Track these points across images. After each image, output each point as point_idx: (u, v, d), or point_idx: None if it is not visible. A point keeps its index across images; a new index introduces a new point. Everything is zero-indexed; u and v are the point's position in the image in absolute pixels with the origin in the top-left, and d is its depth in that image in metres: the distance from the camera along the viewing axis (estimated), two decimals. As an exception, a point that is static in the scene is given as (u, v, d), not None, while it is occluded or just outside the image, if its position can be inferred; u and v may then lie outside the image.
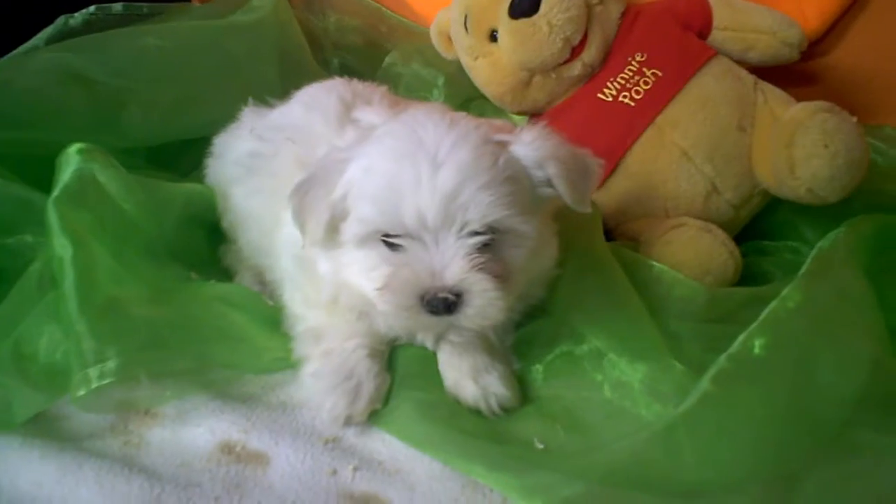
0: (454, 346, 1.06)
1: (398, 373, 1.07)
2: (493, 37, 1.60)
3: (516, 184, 0.97)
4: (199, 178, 1.45)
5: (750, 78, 1.54)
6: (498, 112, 1.73)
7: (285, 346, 1.10)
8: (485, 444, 0.94)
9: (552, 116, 1.59)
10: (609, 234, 1.40)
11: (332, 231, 1.00)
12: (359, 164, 0.98)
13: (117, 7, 1.73)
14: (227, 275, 1.36)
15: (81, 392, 0.94)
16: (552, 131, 1.04)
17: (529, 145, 1.00)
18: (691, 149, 1.46)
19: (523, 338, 1.14)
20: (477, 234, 0.94)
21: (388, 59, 2.07)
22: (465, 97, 1.88)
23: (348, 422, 0.98)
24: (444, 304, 0.92)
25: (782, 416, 0.92)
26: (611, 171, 1.49)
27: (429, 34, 1.89)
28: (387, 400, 1.02)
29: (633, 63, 1.54)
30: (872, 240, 1.23)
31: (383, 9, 2.21)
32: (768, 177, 1.42)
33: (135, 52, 1.52)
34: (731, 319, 1.13)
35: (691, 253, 1.31)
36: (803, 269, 1.10)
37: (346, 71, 1.98)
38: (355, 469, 0.94)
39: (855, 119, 1.33)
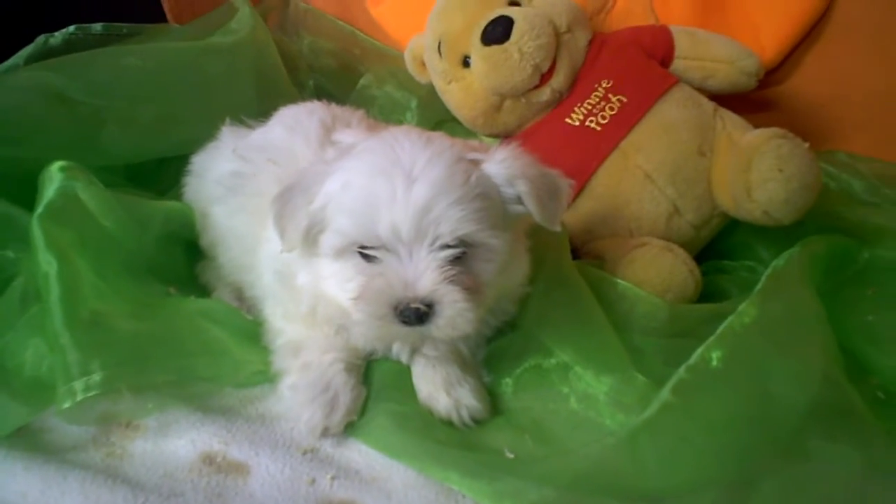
0: (428, 360, 1.09)
1: (374, 385, 1.09)
2: (465, 62, 1.63)
3: (487, 200, 0.99)
4: (177, 196, 1.46)
5: (710, 105, 1.57)
6: (469, 134, 1.74)
7: (264, 359, 1.12)
8: (458, 452, 0.97)
9: (522, 139, 1.57)
10: (575, 253, 1.41)
11: (312, 243, 1.03)
12: (338, 177, 1.00)
13: (97, 27, 1.72)
14: (205, 291, 1.37)
15: (67, 404, 0.95)
16: (524, 151, 1.06)
17: (501, 163, 1.03)
18: (654, 172, 1.48)
19: (494, 352, 1.17)
20: (449, 247, 0.96)
21: (362, 82, 2.08)
22: (438, 120, 1.89)
23: (325, 433, 1.01)
24: (415, 314, 0.94)
25: (739, 425, 0.95)
26: (577, 192, 1.51)
27: (401, 58, 1.91)
28: (363, 411, 1.05)
29: (600, 89, 1.56)
30: (824, 260, 1.27)
31: (357, 32, 2.24)
32: (727, 199, 1.44)
33: (114, 71, 1.52)
34: (691, 334, 1.14)
35: (654, 271, 1.33)
36: (758, 286, 1.12)
37: (321, 92, 2.01)
38: (333, 478, 0.96)
39: (808, 145, 1.36)
